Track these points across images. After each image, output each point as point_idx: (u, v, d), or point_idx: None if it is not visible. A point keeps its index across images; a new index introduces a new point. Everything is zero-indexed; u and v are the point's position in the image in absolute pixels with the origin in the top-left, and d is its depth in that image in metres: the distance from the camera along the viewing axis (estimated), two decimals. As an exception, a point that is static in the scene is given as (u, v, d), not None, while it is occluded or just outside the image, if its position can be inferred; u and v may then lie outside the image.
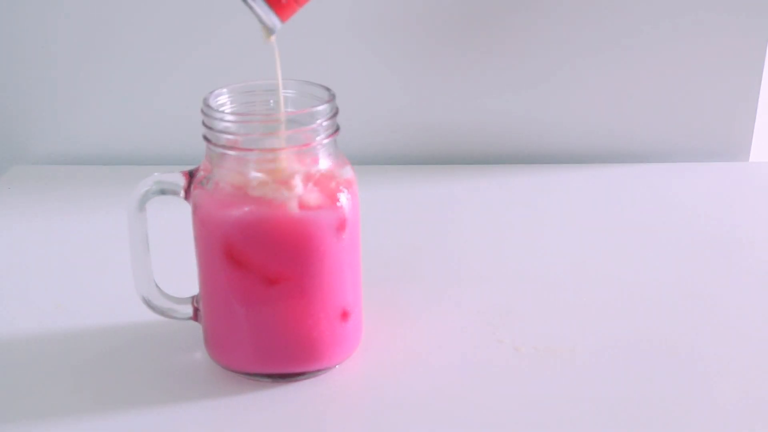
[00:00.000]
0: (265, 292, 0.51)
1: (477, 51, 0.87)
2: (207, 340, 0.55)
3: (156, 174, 0.53)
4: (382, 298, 0.63)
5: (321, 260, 0.51)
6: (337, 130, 0.52)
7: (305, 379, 0.54)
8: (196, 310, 0.56)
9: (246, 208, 0.50)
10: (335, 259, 0.52)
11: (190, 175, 0.53)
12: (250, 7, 0.47)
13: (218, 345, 0.54)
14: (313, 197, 0.50)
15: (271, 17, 0.47)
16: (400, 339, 0.58)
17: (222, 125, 0.50)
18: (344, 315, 0.54)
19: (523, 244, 0.72)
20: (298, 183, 0.50)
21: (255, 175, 0.50)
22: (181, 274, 0.58)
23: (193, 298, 0.56)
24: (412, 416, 0.51)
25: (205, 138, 0.51)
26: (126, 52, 0.88)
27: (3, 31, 0.87)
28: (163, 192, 0.53)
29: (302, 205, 0.50)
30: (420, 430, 0.50)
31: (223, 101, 0.53)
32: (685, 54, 0.86)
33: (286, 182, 0.50)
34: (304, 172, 0.50)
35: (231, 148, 0.50)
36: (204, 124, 0.51)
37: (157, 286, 0.55)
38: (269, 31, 0.49)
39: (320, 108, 0.51)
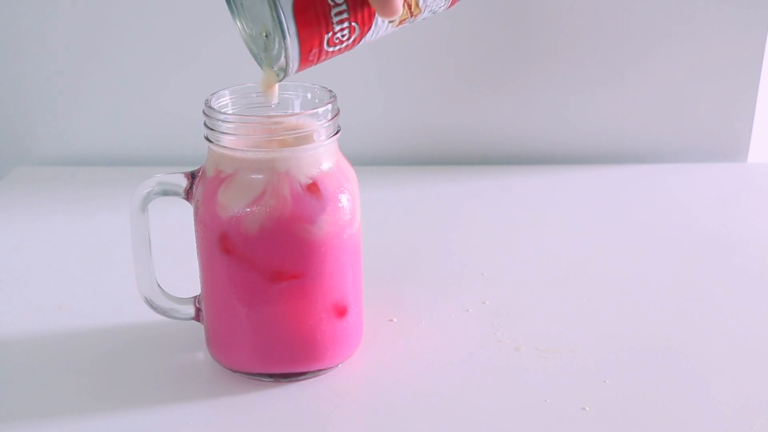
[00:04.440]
0: (266, 292, 0.52)
1: (477, 53, 0.88)
2: (209, 340, 0.56)
3: (158, 175, 0.53)
4: (383, 298, 0.63)
5: (322, 260, 0.52)
6: (338, 131, 0.52)
7: (307, 378, 0.54)
8: (198, 310, 0.56)
9: (247, 209, 0.50)
10: (336, 259, 0.52)
11: (192, 176, 0.53)
12: (283, 45, 0.46)
13: (220, 345, 0.55)
14: (315, 197, 0.51)
15: (294, 63, 0.47)
16: (400, 339, 0.59)
17: (224, 126, 0.51)
18: (343, 312, 0.54)
19: (523, 244, 0.73)
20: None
21: (256, 176, 0.50)
22: (183, 274, 0.58)
23: (194, 298, 0.56)
24: (413, 416, 0.51)
25: (207, 139, 0.52)
26: (128, 54, 0.88)
27: (4, 32, 0.87)
28: (165, 193, 0.53)
29: (303, 205, 0.50)
30: (420, 429, 0.51)
31: (225, 102, 0.53)
32: (683, 56, 0.87)
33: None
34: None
35: (233, 148, 0.51)
36: (206, 125, 0.51)
37: (159, 286, 0.55)
38: (278, 75, 0.49)
39: (322, 109, 0.51)
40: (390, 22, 0.48)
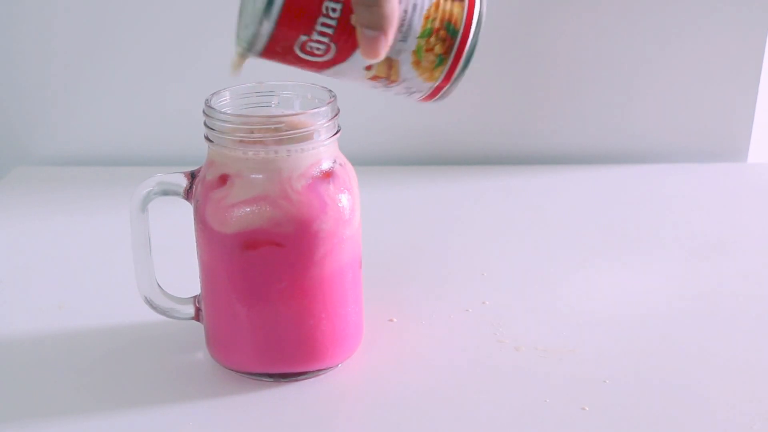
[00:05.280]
0: (266, 292, 0.52)
1: (477, 52, 0.88)
2: (209, 340, 0.56)
3: (158, 175, 0.53)
4: (383, 298, 0.63)
5: (322, 259, 0.52)
6: (338, 131, 0.52)
7: (306, 378, 0.54)
8: (197, 310, 0.56)
9: (247, 209, 0.50)
10: (336, 258, 0.52)
11: (192, 176, 0.53)
12: (259, 21, 0.45)
13: (220, 345, 0.55)
14: (315, 198, 0.51)
15: (260, 42, 0.46)
16: (400, 339, 0.59)
17: (224, 126, 0.51)
18: (334, 273, 0.53)
19: (523, 244, 0.73)
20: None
21: (256, 176, 0.50)
22: (183, 274, 0.58)
23: (194, 298, 0.56)
24: (413, 416, 0.51)
25: (207, 139, 0.52)
26: (128, 54, 0.88)
27: (4, 32, 0.87)
28: (165, 193, 0.53)
29: (303, 205, 0.50)
30: (420, 429, 0.51)
31: (225, 102, 0.53)
32: (683, 56, 0.87)
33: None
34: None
35: (233, 148, 0.51)
36: (206, 124, 0.52)
37: (159, 286, 0.55)
38: (244, 54, 0.47)
39: (321, 109, 0.51)
40: (365, 68, 0.47)
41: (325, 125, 0.51)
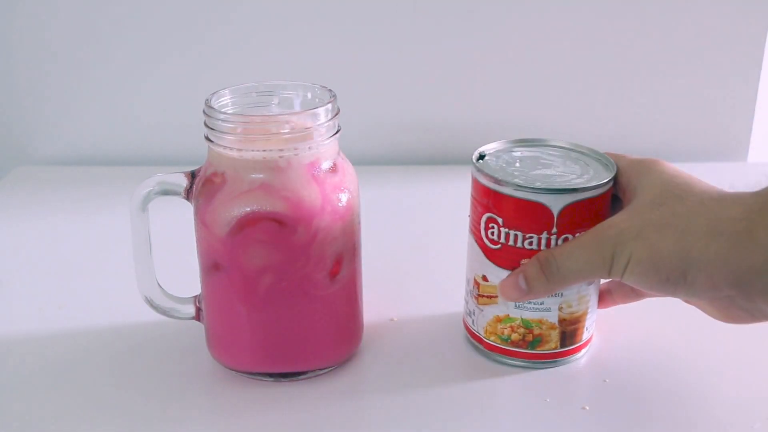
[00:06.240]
0: (267, 291, 0.52)
1: (478, 52, 0.88)
2: (209, 340, 0.56)
3: (158, 174, 0.53)
4: (383, 298, 0.63)
5: (323, 258, 0.52)
6: (338, 131, 0.52)
7: (306, 378, 0.54)
8: (198, 310, 0.56)
9: (247, 208, 0.50)
10: (336, 258, 0.52)
11: (192, 176, 0.53)
12: None
13: (220, 344, 0.55)
14: (315, 197, 0.51)
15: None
16: (400, 339, 0.59)
17: (224, 126, 0.51)
18: (334, 272, 0.54)
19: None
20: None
21: (256, 175, 0.50)
22: (183, 274, 0.58)
23: (195, 297, 0.56)
24: (413, 415, 0.51)
25: (207, 138, 0.52)
26: (128, 54, 0.88)
27: (4, 32, 0.87)
28: (165, 192, 0.53)
29: (303, 205, 0.50)
30: (420, 429, 0.51)
31: (225, 102, 0.53)
32: (684, 56, 0.87)
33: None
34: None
35: (233, 148, 0.51)
36: (206, 124, 0.51)
37: (159, 286, 0.55)
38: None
39: (322, 109, 0.51)
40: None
41: (325, 125, 0.51)
